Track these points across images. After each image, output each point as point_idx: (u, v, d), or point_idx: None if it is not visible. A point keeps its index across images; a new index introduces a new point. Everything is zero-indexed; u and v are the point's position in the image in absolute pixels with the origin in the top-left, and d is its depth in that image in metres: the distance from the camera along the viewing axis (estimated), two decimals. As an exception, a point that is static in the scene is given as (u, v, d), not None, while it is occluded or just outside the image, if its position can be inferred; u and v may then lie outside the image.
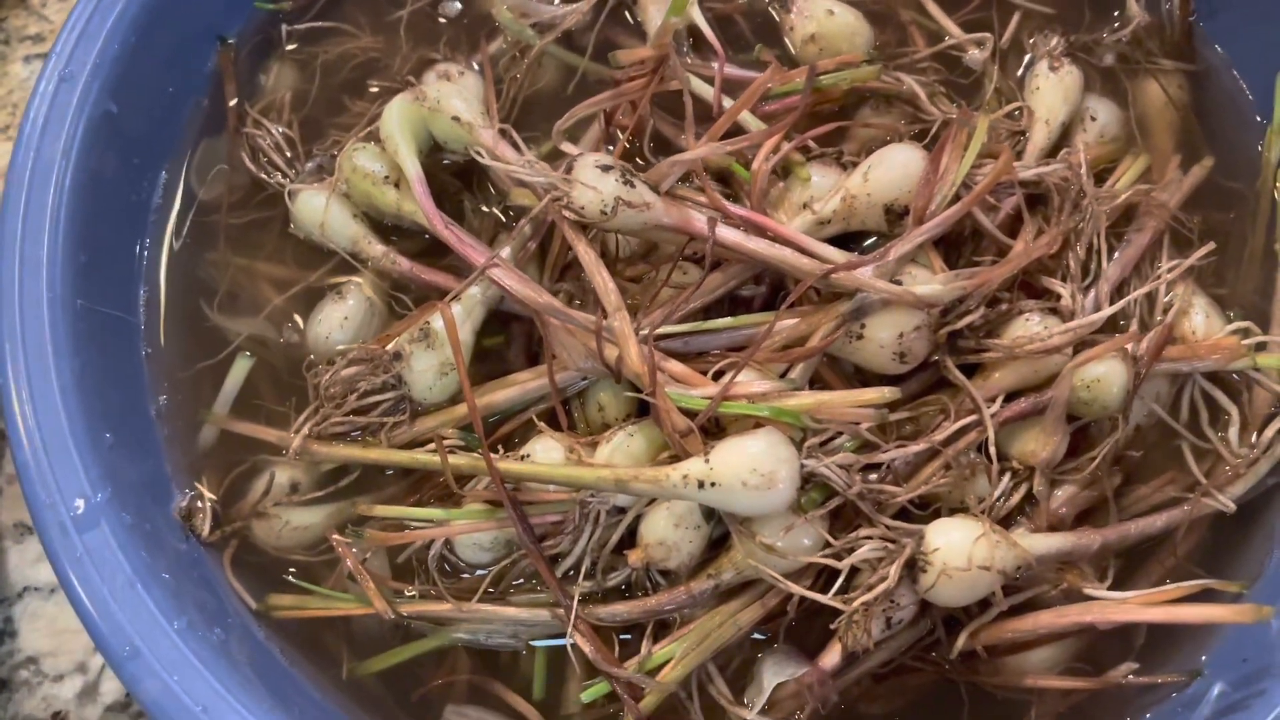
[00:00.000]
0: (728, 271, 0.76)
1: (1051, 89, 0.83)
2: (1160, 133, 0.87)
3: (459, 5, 0.90)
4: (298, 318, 0.83)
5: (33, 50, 1.04)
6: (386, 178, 0.81)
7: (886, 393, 0.70)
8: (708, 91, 0.79)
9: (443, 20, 0.90)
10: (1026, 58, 0.87)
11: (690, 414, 0.69)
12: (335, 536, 0.76)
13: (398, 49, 0.89)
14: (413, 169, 0.78)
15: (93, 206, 0.79)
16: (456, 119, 0.79)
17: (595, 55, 0.86)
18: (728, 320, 0.74)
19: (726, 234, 0.72)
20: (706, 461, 0.67)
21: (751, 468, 0.66)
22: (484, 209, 0.83)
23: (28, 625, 0.89)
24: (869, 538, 0.69)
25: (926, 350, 0.73)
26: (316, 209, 0.81)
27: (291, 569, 0.79)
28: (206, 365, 0.82)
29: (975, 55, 0.85)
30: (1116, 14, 0.89)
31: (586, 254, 0.72)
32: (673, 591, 0.72)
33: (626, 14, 0.88)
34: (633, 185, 0.71)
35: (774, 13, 0.87)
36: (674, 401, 0.69)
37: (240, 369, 0.82)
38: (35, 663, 0.88)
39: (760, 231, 0.73)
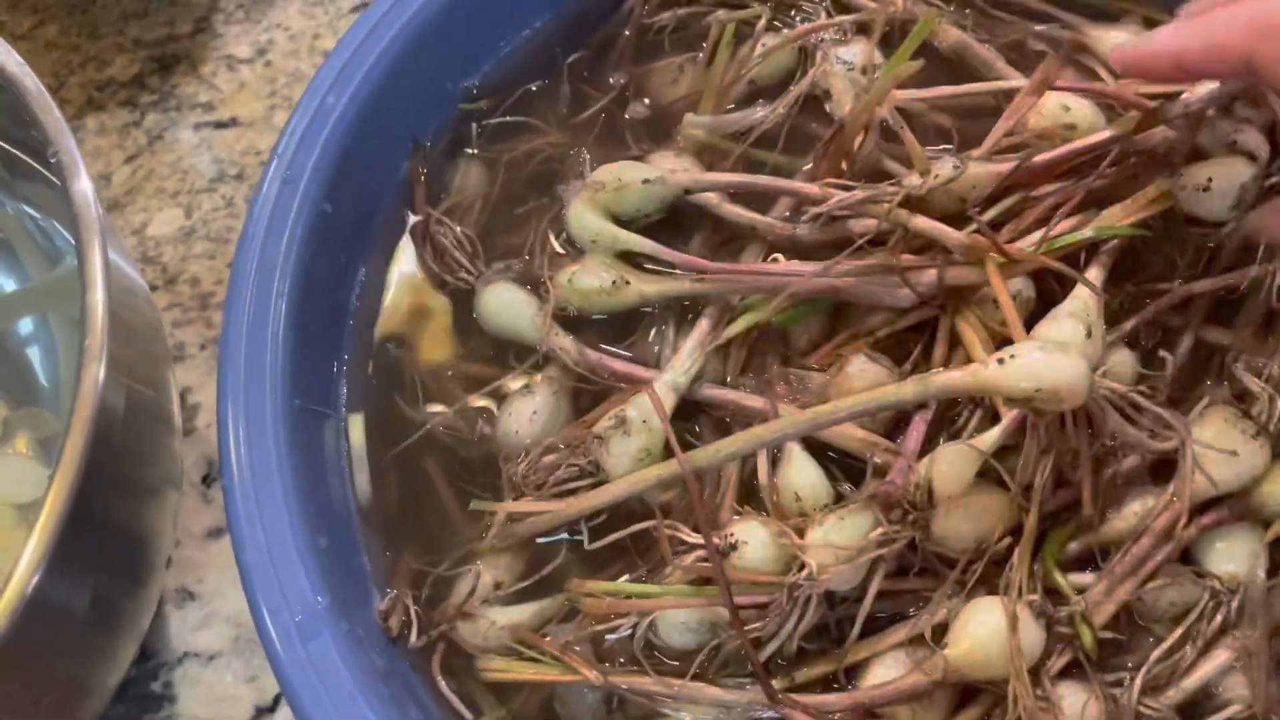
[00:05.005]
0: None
1: None
2: None
3: (646, 110, 0.92)
4: (482, 411, 0.84)
5: (202, 118, 1.01)
6: (615, 282, 0.81)
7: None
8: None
9: (629, 118, 0.92)
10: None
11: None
12: (527, 634, 0.76)
13: (580, 144, 0.90)
14: (638, 240, 0.80)
15: (307, 305, 0.80)
16: (648, 180, 0.80)
17: (784, 148, 0.87)
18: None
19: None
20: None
21: (1042, 334, 0.70)
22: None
23: (187, 691, 0.90)
24: None
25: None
26: (505, 303, 0.83)
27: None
28: (404, 461, 0.83)
29: None
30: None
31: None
32: (886, 687, 0.71)
33: (825, 106, 0.88)
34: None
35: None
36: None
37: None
38: (193, 730, 0.88)
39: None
